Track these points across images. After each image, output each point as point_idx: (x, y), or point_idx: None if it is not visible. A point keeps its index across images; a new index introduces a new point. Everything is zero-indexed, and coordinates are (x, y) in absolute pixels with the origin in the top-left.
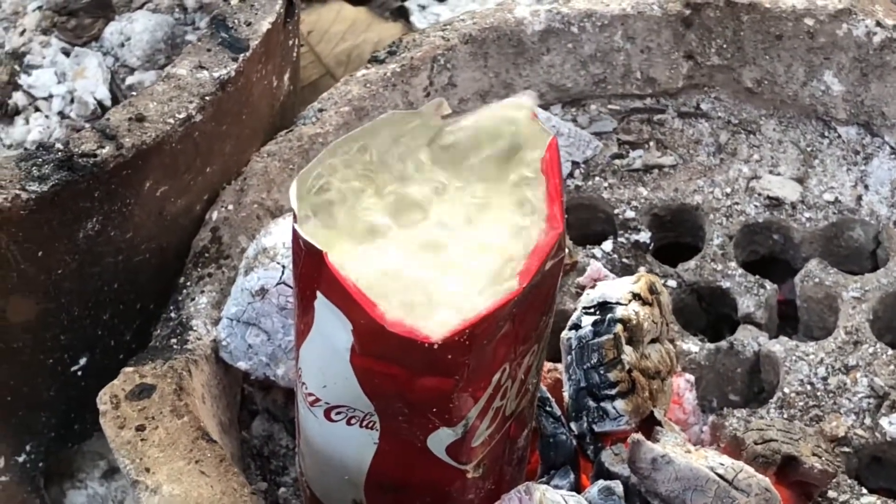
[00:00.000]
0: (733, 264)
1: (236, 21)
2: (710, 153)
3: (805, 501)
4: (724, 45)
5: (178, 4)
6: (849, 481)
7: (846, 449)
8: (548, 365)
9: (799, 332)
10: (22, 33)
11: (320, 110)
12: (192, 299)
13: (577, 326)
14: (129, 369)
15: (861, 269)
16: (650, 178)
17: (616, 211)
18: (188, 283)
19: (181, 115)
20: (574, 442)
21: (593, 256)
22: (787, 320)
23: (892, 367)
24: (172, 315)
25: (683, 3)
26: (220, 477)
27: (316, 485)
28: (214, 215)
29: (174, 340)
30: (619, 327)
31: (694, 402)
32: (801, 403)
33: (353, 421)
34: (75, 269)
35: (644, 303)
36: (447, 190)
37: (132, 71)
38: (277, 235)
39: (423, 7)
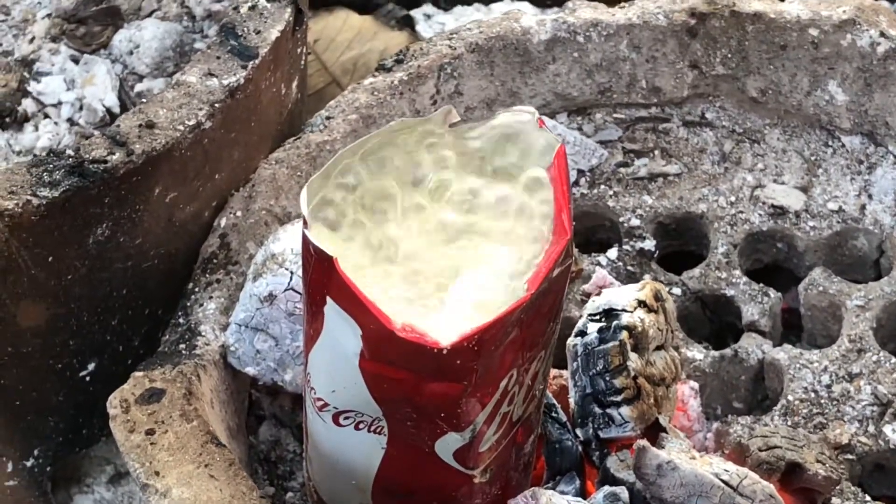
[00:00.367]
0: (737, 272)
1: (246, 29)
2: (715, 162)
3: None
4: (729, 55)
5: (187, 12)
6: (852, 488)
7: (850, 456)
8: (554, 371)
9: (803, 341)
10: (31, 41)
11: (328, 118)
12: (201, 305)
13: (582, 333)
14: (138, 374)
15: (865, 278)
16: (655, 186)
17: (621, 219)
18: (196, 289)
19: (191, 122)
20: (580, 448)
21: (599, 264)
22: (791, 328)
23: (895, 375)
24: (181, 320)
25: (688, 13)
26: (228, 481)
27: (323, 489)
28: (223, 222)
29: (183, 346)
30: (624, 334)
31: (698, 409)
32: (804, 411)
33: (361, 426)
34: (85, 274)
35: (649, 310)
36: (458, 194)
37: (141, 78)
38: (286, 242)
39: (428, 16)
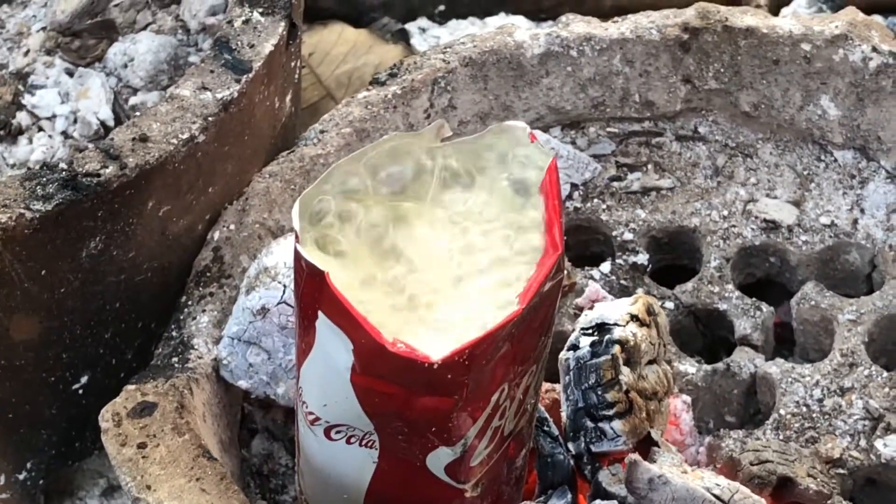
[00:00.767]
0: (730, 286)
1: (239, 42)
2: (708, 176)
3: None
4: (722, 70)
5: (182, 26)
6: (844, 503)
7: (841, 470)
8: (546, 385)
9: (795, 355)
10: (26, 53)
11: (322, 131)
12: (194, 318)
13: (575, 347)
14: (130, 387)
15: (857, 293)
16: (648, 200)
17: (614, 233)
18: (189, 303)
19: (184, 136)
20: (572, 462)
21: (591, 278)
22: (783, 343)
23: (887, 389)
24: (174, 334)
25: (681, 27)
26: (220, 495)
27: (315, 503)
28: (216, 235)
29: (175, 359)
30: (616, 348)
31: (691, 423)
32: (796, 425)
33: (352, 440)
34: (78, 287)
35: (642, 324)
36: (449, 209)
37: (135, 91)
38: (279, 255)
39: (423, 30)
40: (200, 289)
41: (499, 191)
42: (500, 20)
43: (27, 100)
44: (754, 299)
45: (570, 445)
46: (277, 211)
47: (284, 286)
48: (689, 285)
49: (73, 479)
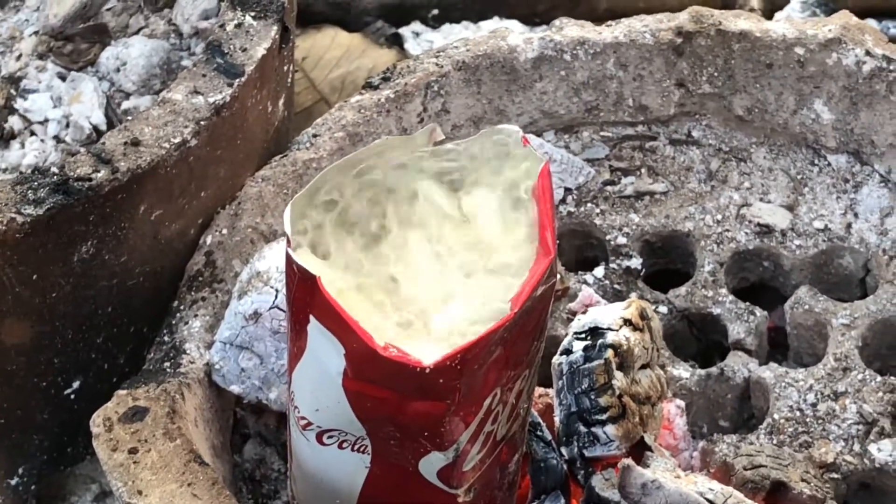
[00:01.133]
0: (724, 291)
1: (232, 46)
2: (702, 180)
3: None
4: (716, 74)
5: (174, 30)
6: None
7: (835, 475)
8: (539, 390)
9: (789, 359)
10: (18, 58)
11: (314, 136)
12: (186, 323)
13: (568, 352)
14: (122, 392)
15: (850, 297)
16: (642, 204)
17: (608, 237)
18: (182, 307)
19: (176, 140)
20: (565, 467)
21: (585, 282)
22: (776, 347)
23: (880, 393)
24: (166, 338)
25: (675, 31)
26: (212, 500)
27: None
28: (208, 239)
29: (167, 364)
30: (609, 353)
31: (684, 428)
32: (790, 429)
33: (344, 445)
34: (69, 292)
35: (635, 328)
36: (443, 213)
37: (128, 96)
38: (271, 260)
39: (417, 34)
40: (193, 293)
41: (491, 195)
42: (493, 24)
43: (19, 104)
44: (748, 304)
45: (564, 450)
46: (270, 215)
47: (277, 291)
48: (682, 290)
49: (65, 485)
